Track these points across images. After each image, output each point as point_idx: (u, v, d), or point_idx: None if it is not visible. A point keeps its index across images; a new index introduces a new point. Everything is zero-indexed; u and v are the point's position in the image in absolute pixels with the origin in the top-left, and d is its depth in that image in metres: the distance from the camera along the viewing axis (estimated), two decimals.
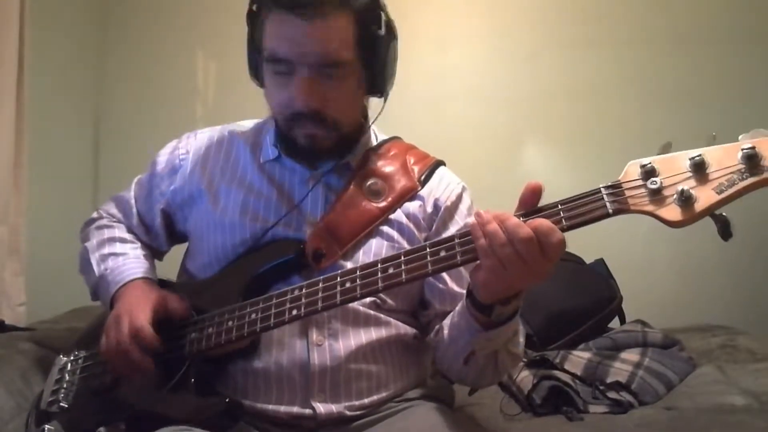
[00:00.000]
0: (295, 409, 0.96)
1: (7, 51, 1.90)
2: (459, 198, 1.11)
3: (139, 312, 0.97)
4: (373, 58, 1.00)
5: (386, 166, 1.10)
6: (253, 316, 0.94)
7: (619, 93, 2.40)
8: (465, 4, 2.50)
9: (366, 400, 1.00)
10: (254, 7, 1.01)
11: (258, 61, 1.02)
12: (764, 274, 2.26)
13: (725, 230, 0.74)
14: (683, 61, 2.35)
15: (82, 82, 2.59)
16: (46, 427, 1.01)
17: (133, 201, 1.19)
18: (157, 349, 0.96)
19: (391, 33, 1.02)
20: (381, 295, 1.02)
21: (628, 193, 0.76)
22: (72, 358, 1.11)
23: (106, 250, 1.13)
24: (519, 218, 0.79)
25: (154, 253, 1.20)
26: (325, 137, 1.01)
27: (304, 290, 0.92)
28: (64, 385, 1.07)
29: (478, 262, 0.81)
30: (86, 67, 2.60)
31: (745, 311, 2.23)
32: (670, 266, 2.34)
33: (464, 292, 1.04)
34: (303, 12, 0.92)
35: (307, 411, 0.96)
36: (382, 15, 1.00)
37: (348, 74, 0.99)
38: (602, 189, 0.78)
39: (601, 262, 1.95)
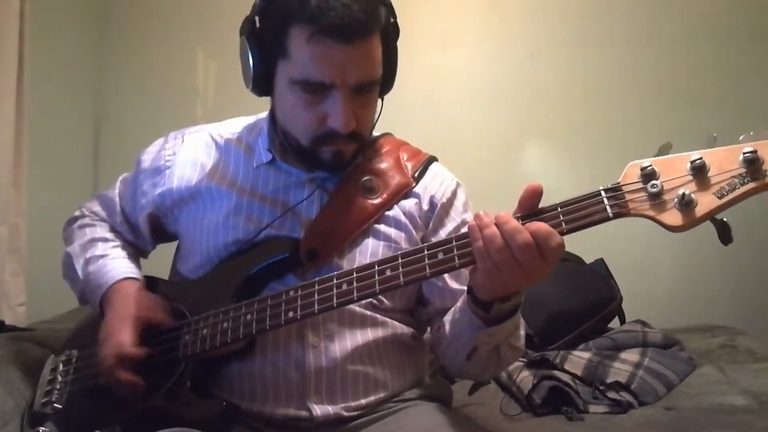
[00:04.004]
0: (291, 411, 0.96)
1: (7, 51, 1.90)
2: (454, 194, 1.11)
3: (121, 330, 0.97)
4: (390, 69, 1.01)
5: (380, 163, 1.09)
6: (249, 317, 0.93)
7: (619, 92, 2.39)
8: (464, 2, 2.49)
9: (363, 401, 0.99)
10: (269, 26, 0.95)
11: (267, 76, 0.99)
12: (764, 274, 2.26)
13: (725, 235, 0.74)
14: (684, 60, 2.34)
15: (82, 81, 2.59)
16: (41, 429, 1.00)
17: (117, 199, 1.18)
18: (143, 360, 0.96)
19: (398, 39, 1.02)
20: None
21: (628, 196, 0.75)
22: (64, 358, 1.10)
23: (89, 253, 1.12)
24: (518, 221, 0.79)
25: (139, 251, 1.19)
26: (350, 150, 1.01)
27: (299, 291, 0.91)
28: (57, 386, 1.06)
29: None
30: (86, 67, 2.60)
31: (745, 311, 2.23)
32: (670, 266, 2.34)
33: (464, 288, 1.03)
34: (345, 36, 0.90)
35: (303, 413, 0.96)
36: (397, 25, 1.00)
37: (376, 89, 0.99)
38: (602, 192, 0.77)
39: (601, 263, 1.95)
